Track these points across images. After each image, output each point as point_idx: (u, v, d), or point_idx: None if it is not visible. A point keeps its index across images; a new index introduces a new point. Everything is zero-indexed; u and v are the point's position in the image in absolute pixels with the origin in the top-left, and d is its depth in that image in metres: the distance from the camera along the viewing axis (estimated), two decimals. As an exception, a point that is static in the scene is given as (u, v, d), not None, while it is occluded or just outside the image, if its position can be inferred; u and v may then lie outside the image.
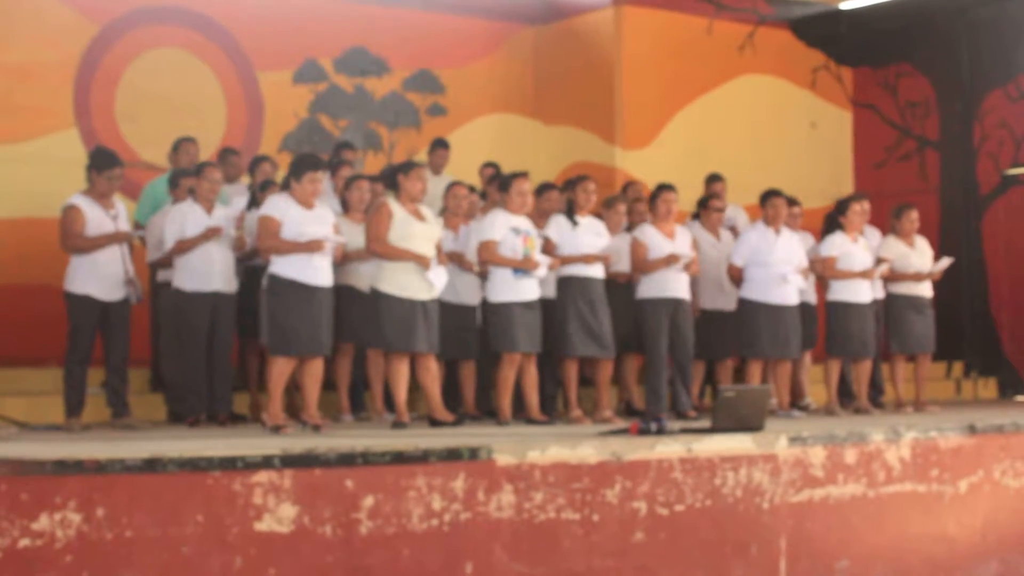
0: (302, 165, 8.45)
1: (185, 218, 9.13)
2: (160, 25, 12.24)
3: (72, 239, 8.87)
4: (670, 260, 9.80)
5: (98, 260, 8.87)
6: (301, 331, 8.22)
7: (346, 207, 9.74)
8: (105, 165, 8.98)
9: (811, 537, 7.88)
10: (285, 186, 8.51)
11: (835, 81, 15.35)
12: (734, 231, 11.24)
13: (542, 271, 9.24)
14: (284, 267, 8.26)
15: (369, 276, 9.34)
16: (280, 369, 8.30)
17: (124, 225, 9.03)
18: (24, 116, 11.46)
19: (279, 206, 8.32)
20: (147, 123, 11.88)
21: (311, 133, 13.04)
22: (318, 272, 8.31)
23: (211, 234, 9.06)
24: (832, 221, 10.76)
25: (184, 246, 9.08)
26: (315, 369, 8.44)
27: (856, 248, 10.58)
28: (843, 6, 15.22)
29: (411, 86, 13.62)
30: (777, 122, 14.70)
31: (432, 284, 8.74)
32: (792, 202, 10.73)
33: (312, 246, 8.24)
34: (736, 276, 10.38)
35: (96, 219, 8.88)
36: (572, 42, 14.11)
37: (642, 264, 9.91)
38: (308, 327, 8.23)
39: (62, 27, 11.68)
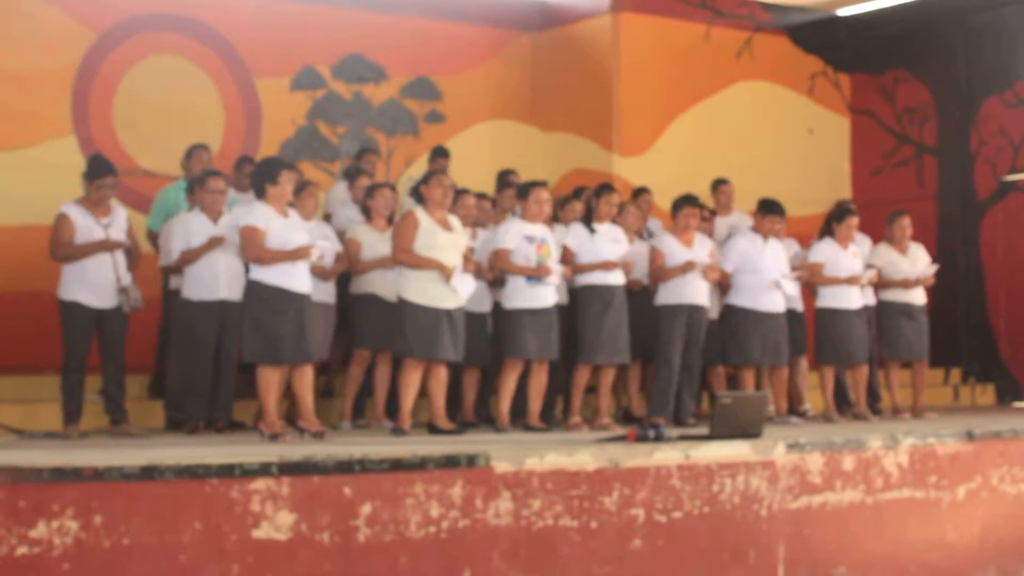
0: (274, 168, 8.41)
1: (190, 228, 9.14)
2: (158, 32, 12.24)
3: (59, 247, 8.89)
4: (686, 268, 9.79)
5: (87, 268, 8.86)
6: (286, 338, 8.18)
7: (368, 214, 9.74)
8: (97, 174, 8.98)
9: (809, 544, 7.88)
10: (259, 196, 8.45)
11: (833, 87, 15.36)
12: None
13: (555, 278, 9.26)
14: (266, 274, 8.22)
15: (390, 283, 9.35)
16: (267, 378, 8.27)
17: (117, 234, 9.00)
18: (22, 123, 11.45)
19: (261, 215, 8.29)
20: (145, 130, 11.88)
21: (309, 140, 13.04)
22: (300, 279, 8.29)
23: (214, 244, 9.05)
24: (827, 226, 10.75)
25: (189, 256, 9.09)
26: (306, 376, 8.40)
27: (844, 255, 10.58)
28: (840, 12, 15.24)
29: (409, 93, 13.62)
30: (775, 128, 14.70)
31: (456, 292, 8.76)
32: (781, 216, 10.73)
33: (300, 253, 8.21)
34: (724, 282, 10.38)
35: (86, 227, 8.88)
36: (570, 49, 14.12)
37: (659, 272, 9.91)
38: (292, 334, 8.20)
39: (60, 34, 11.68)
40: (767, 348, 10.20)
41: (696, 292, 9.90)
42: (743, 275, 10.25)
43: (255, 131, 12.73)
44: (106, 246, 8.91)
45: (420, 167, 12.30)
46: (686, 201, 10.08)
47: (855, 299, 10.62)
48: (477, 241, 9.68)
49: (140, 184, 11.06)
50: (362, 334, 9.59)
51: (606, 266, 9.53)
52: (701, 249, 9.99)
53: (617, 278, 9.62)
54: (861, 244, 11.04)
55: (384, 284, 9.51)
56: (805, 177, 14.54)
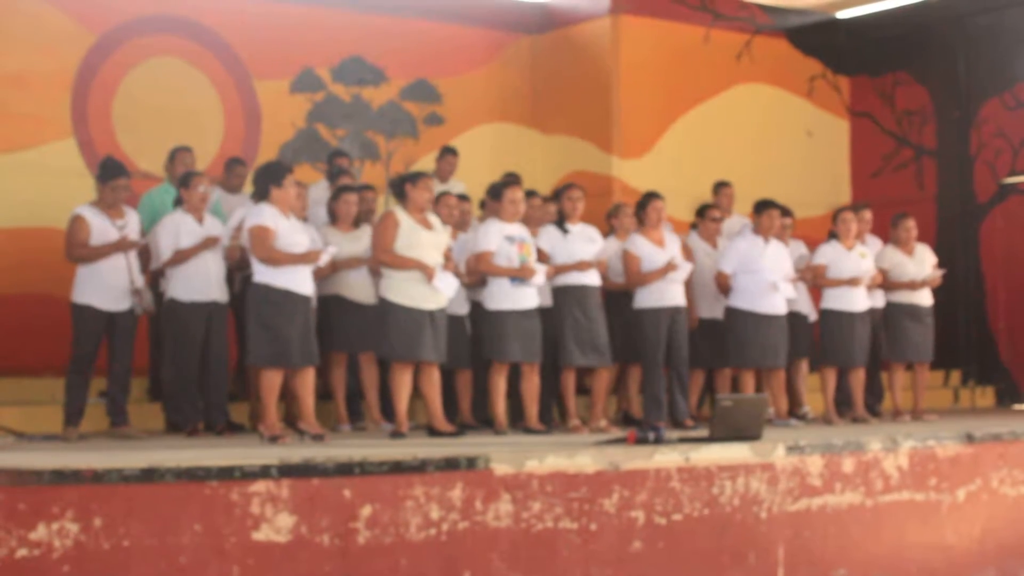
0: (279, 171, 8.46)
1: (178, 228, 9.14)
2: (158, 34, 12.23)
3: (75, 248, 8.91)
4: (668, 270, 9.79)
5: (102, 270, 8.89)
6: (294, 341, 8.19)
7: (334, 217, 9.75)
8: (110, 176, 9.00)
9: (809, 546, 7.88)
10: (261, 198, 8.48)
11: (832, 90, 15.36)
12: None
13: (539, 279, 9.23)
14: (273, 277, 8.23)
15: (356, 284, 9.34)
16: (272, 380, 8.27)
17: (132, 235, 9.03)
18: (21, 125, 11.44)
19: (269, 216, 8.29)
20: (144, 132, 11.85)
21: (309, 142, 13.03)
22: (304, 281, 8.30)
23: (209, 244, 9.07)
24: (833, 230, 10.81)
25: (182, 256, 9.09)
26: (308, 378, 8.42)
27: (849, 257, 10.58)
28: (840, 15, 15.25)
29: (408, 95, 13.61)
30: (774, 131, 14.70)
31: (438, 292, 8.75)
32: (785, 213, 10.73)
33: (311, 256, 8.24)
34: (724, 284, 10.37)
35: (101, 229, 8.90)
36: (569, 51, 14.12)
37: (637, 277, 9.89)
38: (300, 337, 8.21)
39: (60, 36, 11.67)
40: (766, 350, 10.20)
41: (675, 294, 9.91)
42: (743, 277, 10.25)
43: (255, 134, 12.72)
44: (123, 246, 8.93)
45: (420, 169, 12.28)
46: (653, 195, 10.07)
47: (859, 302, 10.61)
48: (455, 243, 9.67)
49: (139, 186, 11.02)
50: (334, 337, 9.54)
51: (580, 266, 9.51)
52: (672, 247, 9.99)
53: (592, 278, 9.61)
54: (871, 245, 11.03)
55: (350, 285, 9.52)
56: (804, 180, 14.53)
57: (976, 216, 14.40)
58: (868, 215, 11.02)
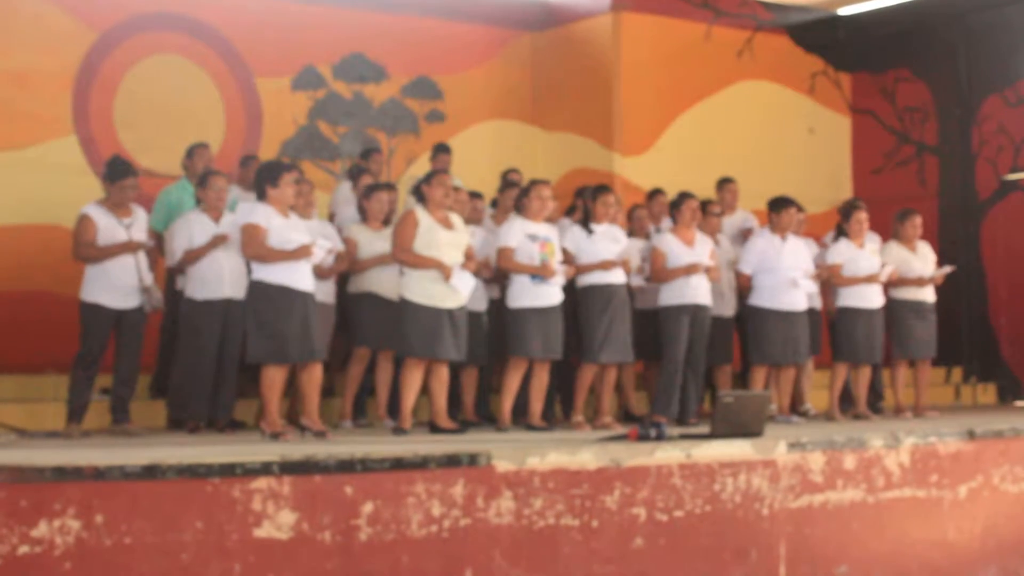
0: (275, 170, 8.45)
1: (192, 227, 9.14)
2: (159, 32, 12.24)
3: (82, 248, 8.88)
4: (690, 270, 9.77)
5: (111, 269, 8.87)
6: (290, 337, 8.18)
7: (364, 215, 9.75)
8: (118, 175, 8.98)
9: (810, 543, 7.88)
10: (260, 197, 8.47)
11: (833, 87, 15.36)
12: (746, 234, 11.21)
13: (559, 279, 9.24)
14: (268, 273, 8.22)
15: (389, 281, 9.36)
16: (272, 376, 8.27)
17: (139, 234, 9.00)
18: (23, 123, 11.46)
19: (262, 214, 8.30)
20: (146, 130, 11.88)
21: (310, 140, 13.04)
22: (302, 277, 8.28)
23: (218, 242, 9.05)
24: (839, 227, 10.78)
25: (193, 255, 9.09)
26: (315, 375, 8.41)
27: (862, 254, 10.57)
28: (841, 12, 15.25)
29: (410, 92, 13.63)
30: (776, 128, 14.71)
31: (456, 291, 8.76)
32: (799, 208, 10.73)
33: (301, 252, 8.20)
34: (745, 284, 10.38)
35: (108, 228, 8.88)
36: (570, 48, 14.12)
37: (661, 273, 9.88)
38: (297, 332, 8.20)
39: (61, 34, 11.68)
40: (787, 346, 10.20)
41: (699, 292, 9.87)
42: (762, 275, 10.26)
43: (256, 131, 12.73)
44: (130, 247, 8.90)
45: (421, 166, 12.31)
46: (687, 195, 10.06)
47: (876, 298, 10.61)
48: (476, 240, 9.68)
49: (141, 183, 11.01)
50: (362, 333, 9.60)
51: (604, 265, 9.51)
52: (702, 248, 9.97)
53: (617, 277, 9.60)
54: (872, 241, 11.02)
55: (382, 282, 9.52)
56: (806, 176, 14.53)
57: (977, 213, 14.41)
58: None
